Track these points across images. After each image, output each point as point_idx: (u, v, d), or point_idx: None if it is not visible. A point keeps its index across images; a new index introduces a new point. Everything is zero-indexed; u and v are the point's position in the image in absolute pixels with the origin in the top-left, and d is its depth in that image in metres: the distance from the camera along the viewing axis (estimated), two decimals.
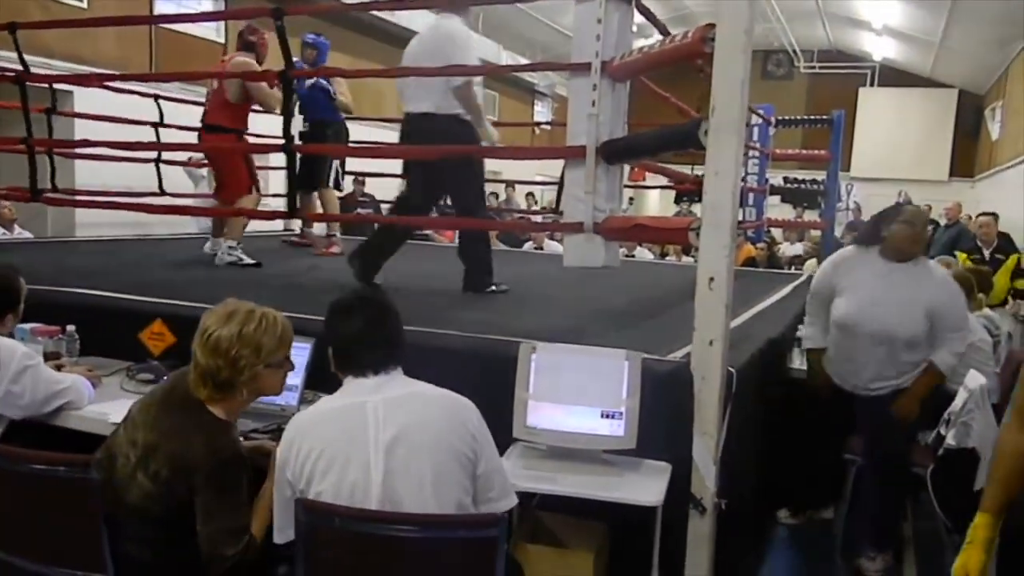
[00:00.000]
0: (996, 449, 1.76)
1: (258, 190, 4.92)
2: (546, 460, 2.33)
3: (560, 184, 5.21)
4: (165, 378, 2.19)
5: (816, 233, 8.32)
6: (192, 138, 5.99)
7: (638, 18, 3.09)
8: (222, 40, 9.46)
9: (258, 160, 5.25)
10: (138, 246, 5.87)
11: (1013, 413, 1.73)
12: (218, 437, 1.89)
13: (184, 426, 1.88)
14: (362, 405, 1.81)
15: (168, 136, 5.76)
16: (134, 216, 4.56)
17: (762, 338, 3.16)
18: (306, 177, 5.00)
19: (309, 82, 5.49)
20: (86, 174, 6.57)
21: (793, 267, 9.19)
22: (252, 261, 4.68)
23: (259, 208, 4.94)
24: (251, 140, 5.11)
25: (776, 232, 10.31)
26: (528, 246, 8.34)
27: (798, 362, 3.67)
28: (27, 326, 2.86)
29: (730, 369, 2.40)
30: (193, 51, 8.94)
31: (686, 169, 5.86)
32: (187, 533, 1.82)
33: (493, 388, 2.27)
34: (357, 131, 7.40)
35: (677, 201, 14.71)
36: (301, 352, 2.61)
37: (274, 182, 8.01)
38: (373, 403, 1.81)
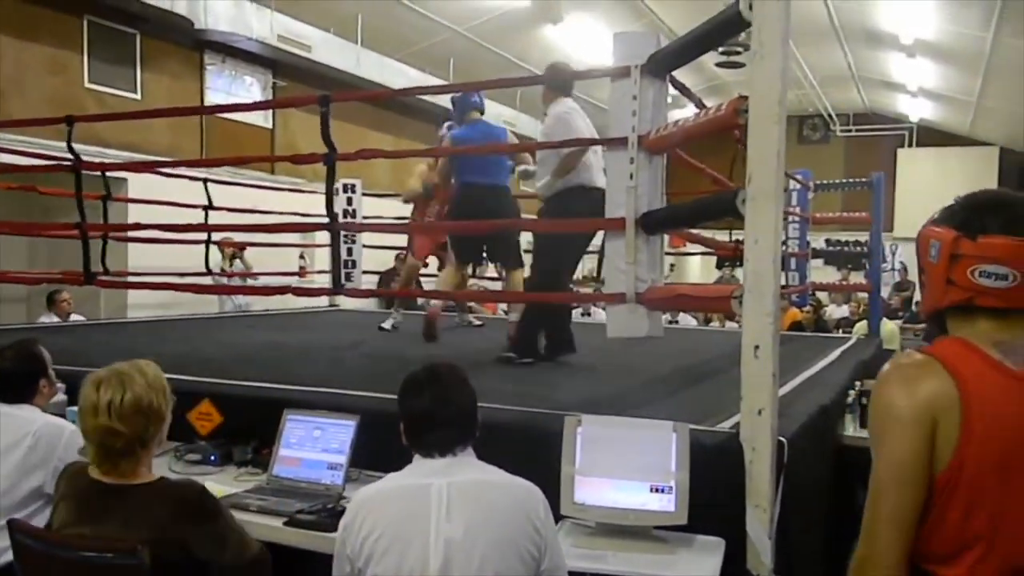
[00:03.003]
0: None
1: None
2: (595, 538, 2.27)
3: (601, 253, 5.26)
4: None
5: (863, 295, 8.19)
6: (237, 219, 6.17)
7: (672, 90, 3.13)
8: (269, 125, 9.80)
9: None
10: (186, 326, 6.00)
11: (884, 523, 1.40)
12: (168, 490, 1.93)
13: (140, 514, 1.86)
14: (427, 488, 1.77)
15: (217, 218, 5.94)
16: (184, 296, 4.67)
17: (813, 405, 3.09)
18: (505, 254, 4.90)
19: None
20: (139, 258, 6.78)
21: (841, 330, 9.02)
22: (388, 327, 5.63)
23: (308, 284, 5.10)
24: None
25: (822, 295, 10.18)
26: (575, 313, 8.35)
27: (851, 429, 3.57)
28: (77, 408, 2.91)
29: (781, 439, 2.34)
30: (241, 136, 9.28)
31: (724, 235, 5.86)
32: None
33: (537, 463, 2.24)
34: (395, 207, 7.55)
35: (719, 266, 14.63)
36: (345, 430, 2.63)
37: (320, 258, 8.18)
38: (438, 487, 1.76)
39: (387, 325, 5.68)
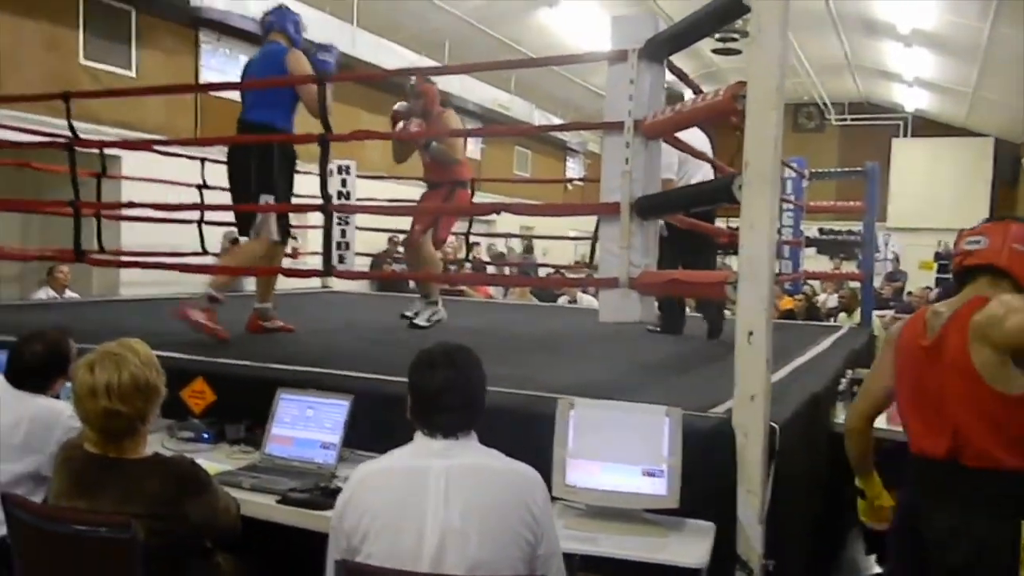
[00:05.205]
0: (845, 428, 2.42)
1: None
2: (586, 520, 2.29)
3: (594, 239, 5.26)
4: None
5: (855, 284, 8.22)
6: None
7: (669, 76, 3.12)
8: None
9: None
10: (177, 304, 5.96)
11: (860, 392, 2.39)
12: (164, 465, 1.99)
13: (136, 489, 1.91)
14: (426, 471, 1.76)
15: (213, 197, 5.90)
16: (177, 275, 4.65)
17: (805, 392, 3.11)
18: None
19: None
20: (133, 236, 6.74)
21: (833, 319, 9.06)
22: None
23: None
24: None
25: (815, 283, 10.21)
26: (562, 300, 8.37)
27: (842, 417, 3.59)
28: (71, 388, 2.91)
29: (773, 424, 2.35)
30: (236, 115, 9.19)
31: (720, 222, 5.87)
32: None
33: (529, 445, 2.25)
34: (388, 189, 7.53)
35: None
36: (339, 410, 2.63)
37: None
38: (437, 470, 1.76)
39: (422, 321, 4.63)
